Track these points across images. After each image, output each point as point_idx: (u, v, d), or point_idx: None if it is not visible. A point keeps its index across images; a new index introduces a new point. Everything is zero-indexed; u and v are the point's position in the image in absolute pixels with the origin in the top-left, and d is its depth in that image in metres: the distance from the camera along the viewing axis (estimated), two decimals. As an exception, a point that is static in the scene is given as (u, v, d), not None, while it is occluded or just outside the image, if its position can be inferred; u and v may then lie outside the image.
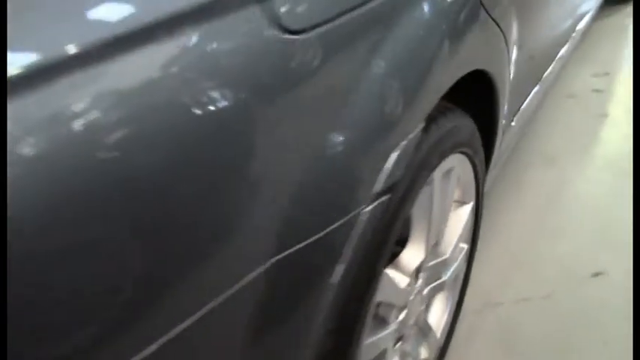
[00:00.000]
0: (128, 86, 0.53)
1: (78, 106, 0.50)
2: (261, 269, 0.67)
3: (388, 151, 0.80)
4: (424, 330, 1.24)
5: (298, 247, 0.69)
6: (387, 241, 0.86)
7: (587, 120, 2.41)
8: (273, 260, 0.67)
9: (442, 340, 1.34)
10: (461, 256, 1.31)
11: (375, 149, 0.77)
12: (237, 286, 0.65)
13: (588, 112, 2.46)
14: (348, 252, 0.77)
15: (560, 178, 2.08)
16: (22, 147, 0.47)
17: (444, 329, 1.33)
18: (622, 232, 1.83)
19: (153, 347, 0.58)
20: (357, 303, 0.84)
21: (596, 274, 1.69)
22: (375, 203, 0.79)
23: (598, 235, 1.83)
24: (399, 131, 0.82)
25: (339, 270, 0.77)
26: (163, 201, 0.56)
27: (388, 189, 0.82)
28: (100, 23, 0.53)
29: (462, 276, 1.37)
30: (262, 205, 0.64)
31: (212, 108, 0.58)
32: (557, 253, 1.76)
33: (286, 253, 0.68)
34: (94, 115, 0.51)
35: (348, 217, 0.75)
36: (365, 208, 0.78)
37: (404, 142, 0.83)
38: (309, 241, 0.71)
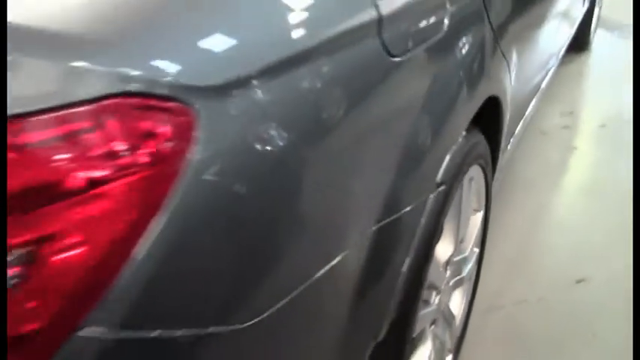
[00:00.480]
0: (295, 95, 0.72)
1: (263, 111, 0.68)
2: (363, 237, 0.87)
3: (446, 152, 1.02)
4: (448, 318, 1.45)
5: (389, 219, 0.90)
6: (439, 227, 1.08)
7: (559, 152, 2.70)
8: (373, 228, 0.88)
9: (459, 331, 1.54)
10: (474, 258, 1.53)
11: (440, 148, 1.00)
12: (343, 254, 0.84)
13: (559, 145, 2.75)
14: (418, 231, 0.98)
15: (539, 200, 2.34)
16: (215, 141, 0.62)
17: (460, 321, 1.54)
18: (598, 246, 2.08)
19: (279, 305, 0.73)
20: (418, 279, 1.05)
21: (580, 281, 1.93)
22: (437, 191, 1.01)
23: (576, 249, 2.08)
24: (452, 137, 1.05)
25: (413, 245, 0.98)
26: (309, 182, 0.75)
27: (443, 182, 1.04)
28: (277, 45, 0.73)
29: (474, 276, 1.58)
30: (370, 183, 0.86)
31: (346, 108, 0.79)
32: (544, 264, 2.00)
33: (382, 223, 0.89)
34: (273, 118, 0.69)
35: (422, 199, 0.97)
36: (431, 194, 1.00)
37: (454, 147, 1.06)
38: (396, 215, 0.92)
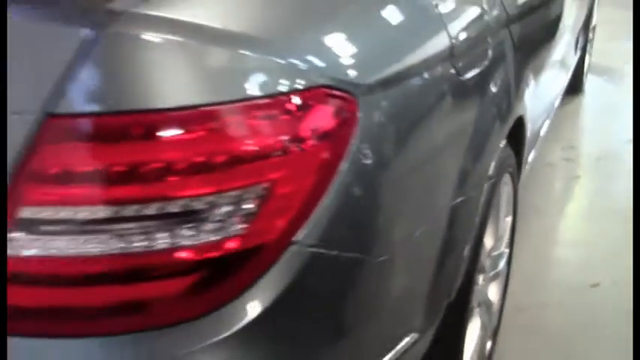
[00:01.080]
0: (406, 99, 1.01)
1: (391, 109, 0.97)
2: (444, 211, 1.15)
3: (495, 151, 1.31)
4: (489, 306, 1.70)
5: (460, 199, 1.18)
6: (489, 213, 1.35)
7: (564, 181, 3.00)
8: (451, 204, 1.16)
9: (496, 321, 1.79)
10: (505, 257, 1.79)
11: (493, 145, 1.29)
12: (433, 219, 1.12)
13: (563, 176, 3.05)
14: (478, 210, 1.26)
15: (550, 222, 2.62)
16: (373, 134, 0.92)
17: (497, 312, 1.79)
18: (606, 256, 2.36)
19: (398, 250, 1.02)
20: (477, 254, 1.32)
21: (594, 285, 2.20)
22: (489, 182, 1.30)
23: (586, 259, 2.35)
24: (498, 143, 1.34)
25: (475, 222, 1.26)
26: (416, 164, 1.04)
27: (493, 176, 1.32)
28: (395, 59, 1.01)
29: (505, 273, 1.84)
30: (447, 170, 1.14)
31: (437, 114, 1.08)
32: (560, 272, 2.27)
33: (456, 201, 1.17)
34: (395, 116, 0.97)
35: (481, 185, 1.25)
36: (486, 183, 1.28)
37: (500, 146, 1.35)
38: (465, 197, 1.20)
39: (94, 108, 0.73)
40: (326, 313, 0.90)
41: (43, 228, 0.73)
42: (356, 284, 0.93)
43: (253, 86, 0.79)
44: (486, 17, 1.34)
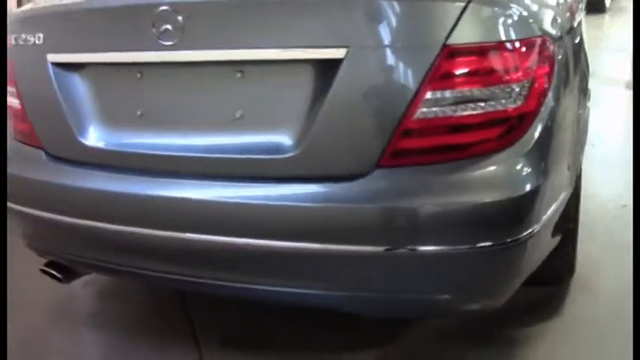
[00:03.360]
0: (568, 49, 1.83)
1: (563, 56, 1.79)
2: (577, 115, 1.96)
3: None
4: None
5: (581, 111, 2.01)
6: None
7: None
8: (578, 112, 1.98)
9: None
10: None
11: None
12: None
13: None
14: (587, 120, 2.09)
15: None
16: None
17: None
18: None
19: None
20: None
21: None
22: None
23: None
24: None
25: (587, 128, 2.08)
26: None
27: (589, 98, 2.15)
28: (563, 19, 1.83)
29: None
30: (581, 88, 1.96)
31: (582, 53, 1.90)
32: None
33: (580, 111, 1.99)
34: (572, 55, 1.80)
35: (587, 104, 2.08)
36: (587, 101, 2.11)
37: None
38: (582, 110, 2.02)
39: (472, 40, 1.50)
40: (561, 151, 1.69)
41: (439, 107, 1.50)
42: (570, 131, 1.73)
43: (521, 32, 1.58)
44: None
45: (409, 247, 1.54)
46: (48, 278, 2.07)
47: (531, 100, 1.56)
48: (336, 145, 1.55)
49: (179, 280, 1.79)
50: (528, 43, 1.56)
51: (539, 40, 1.57)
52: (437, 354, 2.05)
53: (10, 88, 1.96)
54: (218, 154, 1.65)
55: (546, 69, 1.59)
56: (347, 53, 1.50)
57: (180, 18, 1.59)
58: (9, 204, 1.99)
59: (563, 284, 2.34)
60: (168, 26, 1.60)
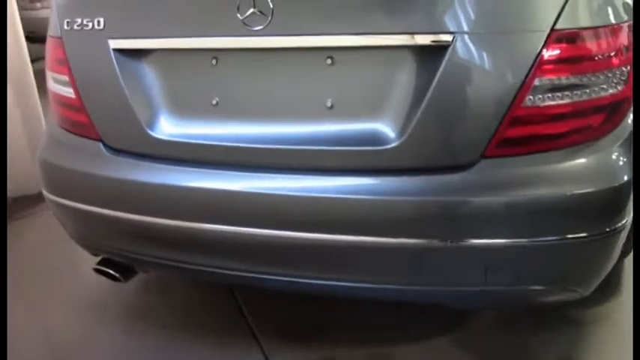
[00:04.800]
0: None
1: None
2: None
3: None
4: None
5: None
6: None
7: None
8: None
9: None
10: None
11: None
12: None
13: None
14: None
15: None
16: None
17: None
18: None
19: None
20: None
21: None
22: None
23: None
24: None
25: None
26: None
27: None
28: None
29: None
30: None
31: None
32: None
33: None
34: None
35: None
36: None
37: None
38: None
39: (579, 25, 1.45)
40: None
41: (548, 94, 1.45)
42: None
43: (619, 16, 1.53)
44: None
45: (515, 239, 1.50)
46: (87, 274, 1.97)
47: (628, 85, 1.53)
48: (441, 135, 1.49)
49: (257, 279, 1.71)
50: (623, 27, 1.53)
51: (627, 25, 1.55)
52: (500, 338, 2.03)
53: (60, 76, 1.82)
54: (308, 146, 1.57)
55: (631, 53, 1.56)
56: (453, 39, 1.43)
57: (270, 1, 1.49)
58: (55, 198, 1.88)
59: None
60: (256, 10, 1.50)
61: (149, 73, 1.70)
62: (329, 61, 1.54)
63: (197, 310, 2.28)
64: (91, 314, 2.31)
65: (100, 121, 1.77)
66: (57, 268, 2.60)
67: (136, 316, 2.28)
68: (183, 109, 1.70)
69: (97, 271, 1.95)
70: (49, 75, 1.89)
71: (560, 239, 1.49)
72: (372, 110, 1.54)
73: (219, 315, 2.22)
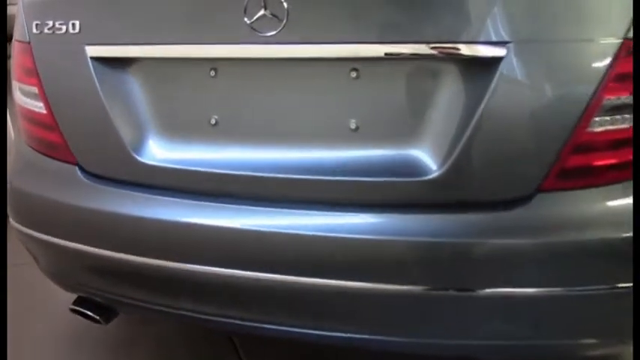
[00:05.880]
0: None
1: None
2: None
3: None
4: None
5: None
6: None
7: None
8: None
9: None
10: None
11: None
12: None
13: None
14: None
15: None
16: None
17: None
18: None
19: None
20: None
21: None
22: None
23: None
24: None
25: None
26: None
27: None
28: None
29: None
30: None
31: None
32: None
33: None
34: None
35: None
36: None
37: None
38: None
39: None
40: None
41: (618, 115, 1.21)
42: None
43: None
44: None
45: (576, 286, 1.25)
46: (64, 301, 1.70)
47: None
48: (491, 165, 1.23)
49: (266, 329, 1.45)
50: None
51: None
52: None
53: (28, 88, 1.54)
54: (326, 176, 1.31)
55: None
56: (507, 50, 1.18)
57: (284, 2, 1.23)
58: (24, 229, 1.60)
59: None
60: (268, 12, 1.24)
61: (135, 86, 1.43)
62: (353, 74, 1.29)
63: (186, 342, 2.02)
64: (69, 346, 2.05)
65: (76, 142, 1.49)
66: (30, 294, 2.31)
67: (118, 349, 2.02)
68: (176, 129, 1.43)
69: (74, 311, 1.67)
70: (16, 85, 1.61)
71: (628, 287, 1.25)
72: (406, 134, 1.29)
73: (209, 348, 1.96)
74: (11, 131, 2.68)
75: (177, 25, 1.35)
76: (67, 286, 1.69)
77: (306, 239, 1.30)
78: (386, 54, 1.24)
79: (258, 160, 1.37)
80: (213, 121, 1.39)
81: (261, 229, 1.32)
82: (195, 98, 1.40)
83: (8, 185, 1.64)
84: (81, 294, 1.67)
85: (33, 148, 1.60)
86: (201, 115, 1.40)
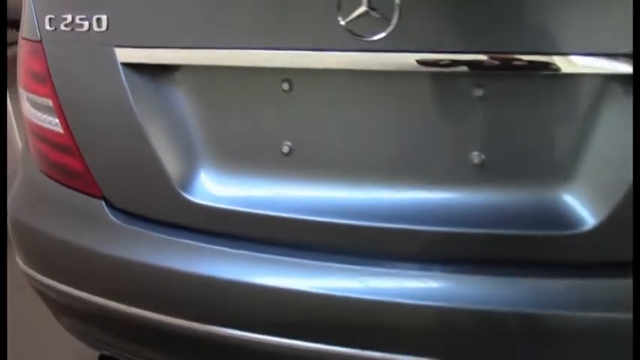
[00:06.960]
0: None
1: None
2: None
3: None
4: None
5: None
6: None
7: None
8: None
9: None
10: None
11: None
12: None
13: None
14: None
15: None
16: None
17: None
18: None
19: None
20: None
21: None
22: None
23: None
24: None
25: None
26: None
27: None
28: None
29: None
30: None
31: None
32: None
33: None
34: None
35: None
36: None
37: None
38: None
39: None
40: None
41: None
42: None
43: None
44: None
45: None
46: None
47: None
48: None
49: None
50: None
51: None
52: None
53: (40, 99, 1.21)
54: (438, 227, 0.99)
55: None
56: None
57: (396, -3, 0.90)
58: (37, 275, 1.29)
59: None
60: (371, 10, 0.91)
61: (181, 101, 1.10)
62: (478, 92, 0.96)
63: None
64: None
65: (101, 170, 1.17)
66: (33, 325, 1.99)
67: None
68: (236, 158, 1.11)
69: (96, 373, 1.36)
70: (24, 95, 1.28)
71: None
72: (550, 171, 0.97)
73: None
74: (16, 135, 2.28)
75: (240, 24, 1.01)
76: (90, 343, 1.37)
77: (420, 311, 0.98)
78: (520, 68, 0.92)
79: (346, 201, 1.04)
80: (285, 149, 1.07)
81: (355, 295, 1.00)
82: (263, 119, 1.08)
83: (11, 218, 1.32)
84: (105, 352, 1.35)
85: (46, 174, 1.28)
86: (270, 140, 1.07)
